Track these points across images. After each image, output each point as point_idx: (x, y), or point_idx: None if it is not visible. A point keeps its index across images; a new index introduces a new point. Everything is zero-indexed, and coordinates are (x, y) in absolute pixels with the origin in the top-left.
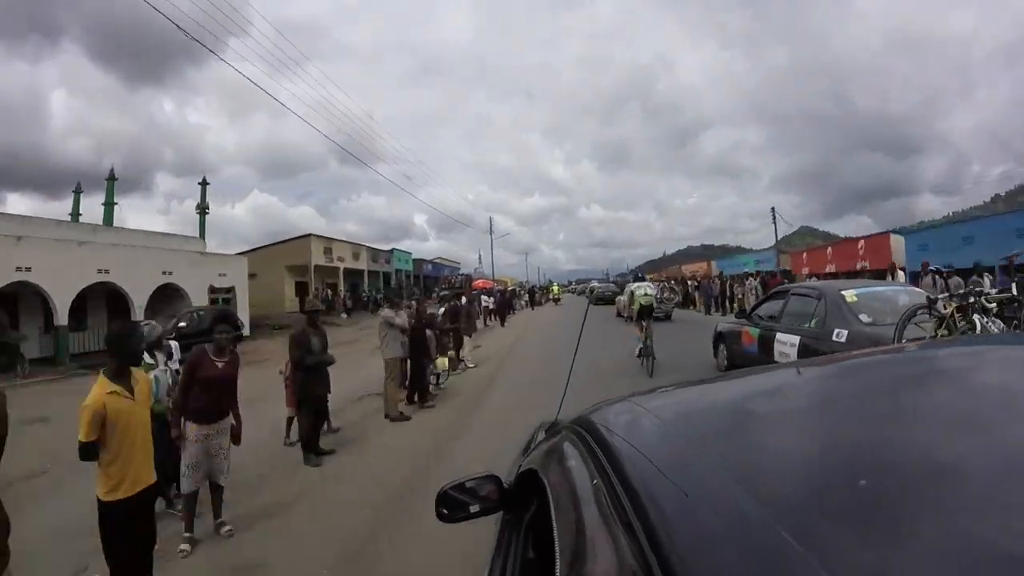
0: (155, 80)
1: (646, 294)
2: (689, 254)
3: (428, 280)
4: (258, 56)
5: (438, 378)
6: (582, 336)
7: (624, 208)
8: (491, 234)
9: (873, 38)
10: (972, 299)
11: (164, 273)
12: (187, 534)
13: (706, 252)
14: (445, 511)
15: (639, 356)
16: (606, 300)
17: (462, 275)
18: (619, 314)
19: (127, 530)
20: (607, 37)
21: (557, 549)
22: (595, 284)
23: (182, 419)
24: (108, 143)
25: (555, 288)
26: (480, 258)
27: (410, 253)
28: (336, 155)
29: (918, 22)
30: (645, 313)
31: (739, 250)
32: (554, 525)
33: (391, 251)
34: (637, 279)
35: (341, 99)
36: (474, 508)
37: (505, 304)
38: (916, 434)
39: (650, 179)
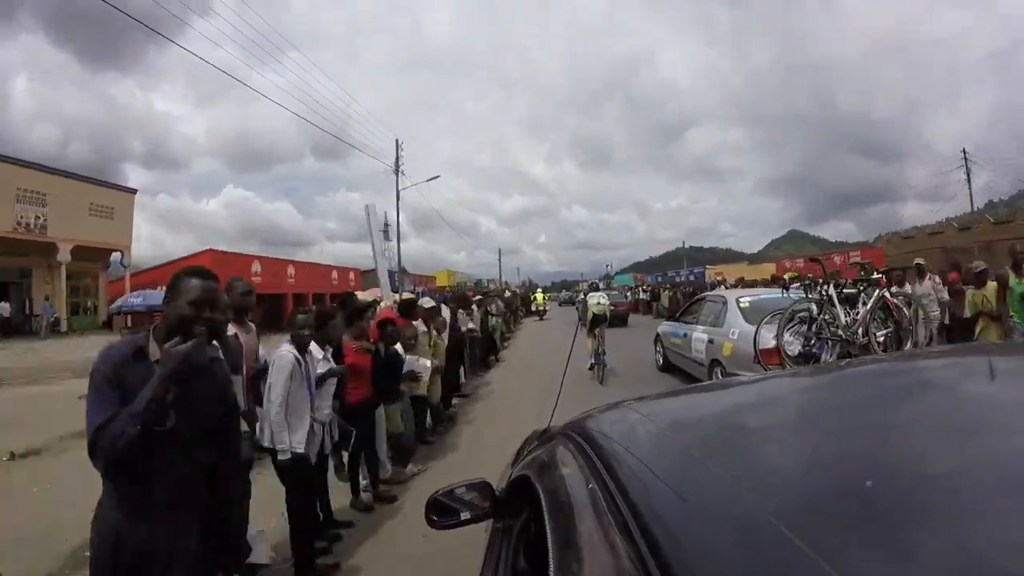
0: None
1: (599, 303)
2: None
3: None
4: (230, 41)
5: None
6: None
7: (606, 210)
8: None
9: (859, 41)
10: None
11: None
12: None
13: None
14: (435, 518)
15: (591, 368)
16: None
17: None
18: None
19: None
20: (591, 34)
21: (551, 555)
22: (585, 288)
23: None
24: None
25: (539, 296)
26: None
27: None
28: (309, 144)
29: (905, 25)
30: (598, 322)
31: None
32: (548, 531)
33: None
34: (592, 289)
35: (314, 87)
36: (465, 515)
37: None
38: (911, 440)
39: (633, 181)
